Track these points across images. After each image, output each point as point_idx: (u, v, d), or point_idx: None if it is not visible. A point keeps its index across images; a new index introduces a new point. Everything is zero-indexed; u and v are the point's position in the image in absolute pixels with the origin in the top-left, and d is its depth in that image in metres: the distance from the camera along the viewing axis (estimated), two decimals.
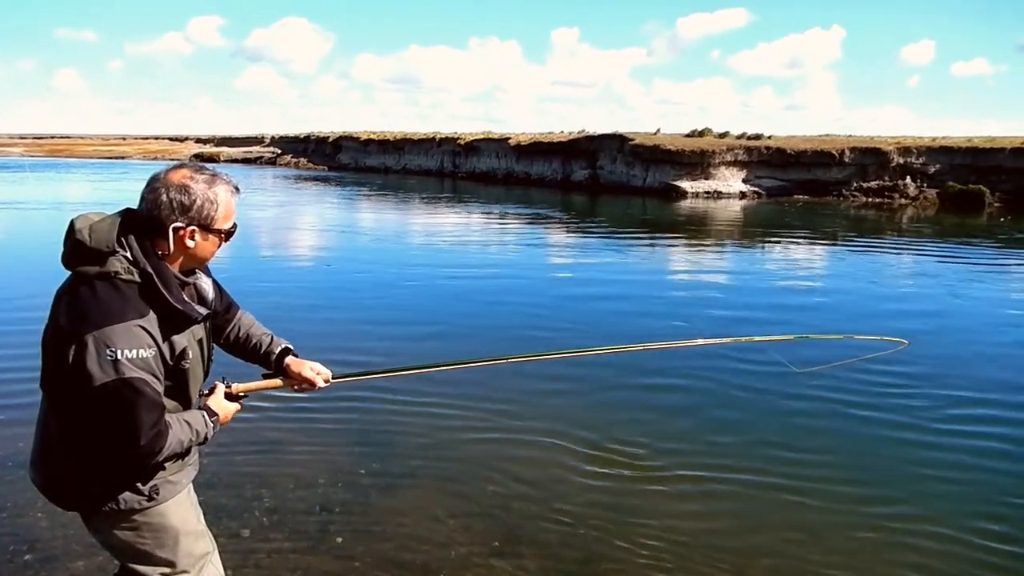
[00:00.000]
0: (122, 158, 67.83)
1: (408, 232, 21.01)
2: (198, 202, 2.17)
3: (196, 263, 2.30)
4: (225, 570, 3.56)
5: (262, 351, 2.64)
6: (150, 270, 2.10)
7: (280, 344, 2.65)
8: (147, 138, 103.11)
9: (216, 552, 2.60)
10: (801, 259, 17.28)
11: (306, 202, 30.08)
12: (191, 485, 2.50)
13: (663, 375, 7.43)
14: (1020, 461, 5.69)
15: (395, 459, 5.33)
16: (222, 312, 2.57)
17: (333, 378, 2.66)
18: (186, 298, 2.22)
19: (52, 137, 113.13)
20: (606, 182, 40.49)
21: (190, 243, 2.19)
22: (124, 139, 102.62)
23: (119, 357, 2.00)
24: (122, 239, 2.11)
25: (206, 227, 2.20)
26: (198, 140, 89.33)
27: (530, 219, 24.73)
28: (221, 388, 2.47)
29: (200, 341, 2.31)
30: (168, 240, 2.16)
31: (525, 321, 9.81)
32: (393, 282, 12.48)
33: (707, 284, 13.50)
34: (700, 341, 3.68)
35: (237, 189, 2.30)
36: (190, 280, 2.30)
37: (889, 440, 6.01)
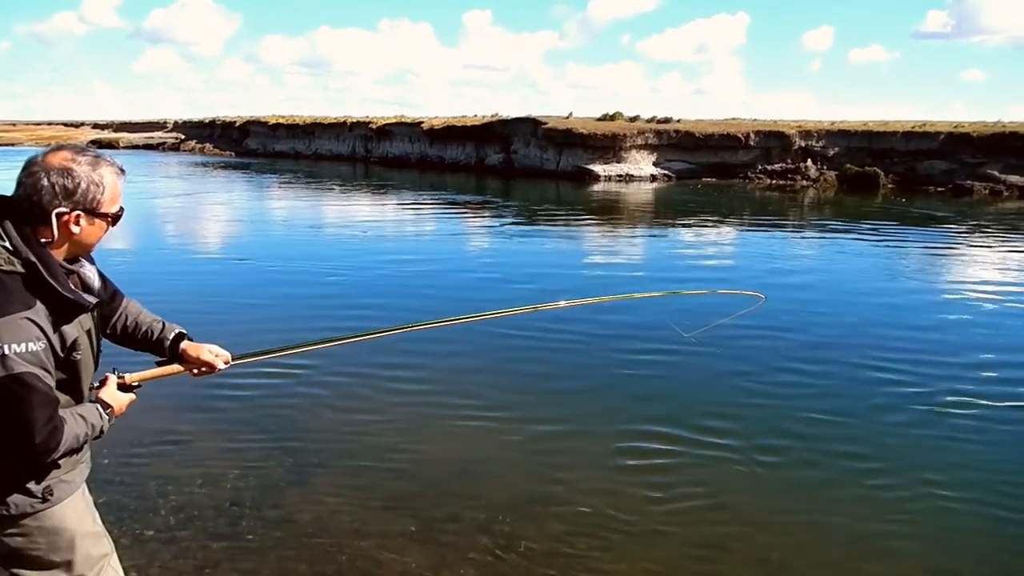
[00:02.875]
0: (12, 145, 64.00)
1: (323, 221, 20.62)
2: (83, 185, 2.06)
3: (81, 250, 2.19)
4: (129, 573, 3.46)
5: (154, 338, 2.52)
6: (34, 259, 1.98)
7: (174, 329, 2.55)
8: (39, 124, 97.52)
9: (114, 554, 2.49)
10: (701, 237, 17.81)
11: (213, 190, 29.11)
12: (85, 485, 2.39)
13: (552, 341, 7.86)
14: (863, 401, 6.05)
15: (306, 448, 5.25)
16: (107, 301, 2.45)
17: (233, 359, 2.58)
18: (72, 287, 2.11)
19: None
20: (520, 166, 40.62)
21: (75, 229, 2.08)
22: (14, 125, 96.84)
23: (6, 352, 1.89)
24: None
25: (92, 211, 2.10)
26: (95, 125, 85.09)
27: (447, 205, 24.62)
28: (113, 379, 2.35)
29: (88, 332, 2.20)
30: (52, 227, 2.04)
31: (424, 293, 9.87)
32: (305, 272, 12.24)
33: (607, 262, 13.83)
34: (562, 303, 3.78)
35: (122, 170, 2.20)
36: (74, 268, 2.19)
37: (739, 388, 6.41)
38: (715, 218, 21.75)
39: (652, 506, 4.62)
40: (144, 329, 2.53)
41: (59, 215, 2.04)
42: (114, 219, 2.18)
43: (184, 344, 2.53)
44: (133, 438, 5.15)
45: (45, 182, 2.02)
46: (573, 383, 6.95)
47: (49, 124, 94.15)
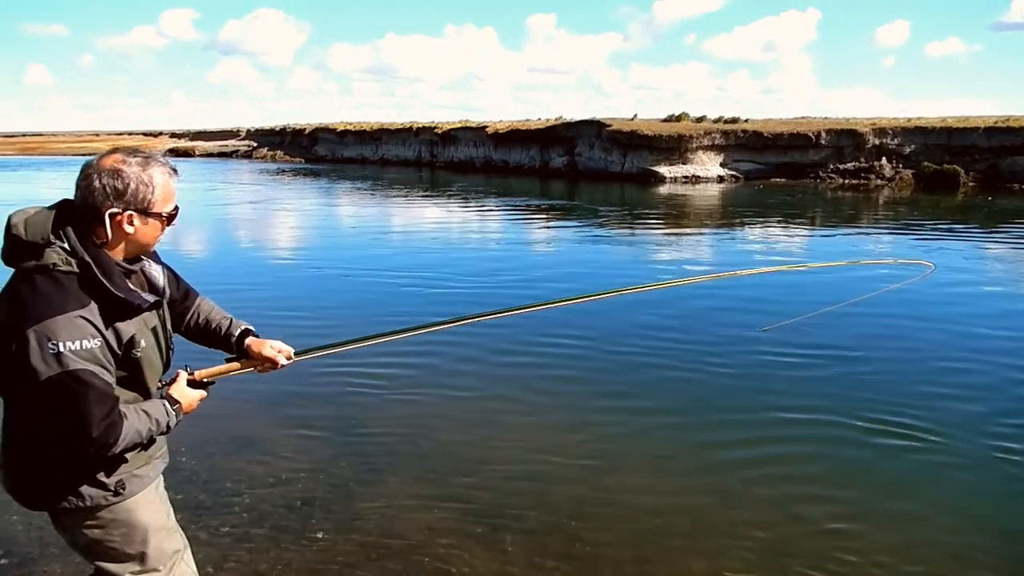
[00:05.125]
0: (95, 154, 66.80)
1: (393, 227, 20.91)
2: (132, 185, 2.12)
3: (139, 249, 2.24)
4: (205, 568, 3.55)
5: (222, 334, 2.58)
6: (88, 259, 2.06)
7: (240, 326, 2.60)
8: (120, 134, 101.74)
9: (188, 549, 2.56)
10: (788, 234, 17.43)
11: (286, 196, 29.77)
12: (160, 479, 2.45)
13: (622, 335, 7.89)
14: None
15: (374, 448, 5.31)
16: (180, 300, 2.52)
17: (295, 355, 2.60)
18: (132, 286, 2.17)
19: (23, 135, 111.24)
20: (584, 169, 40.47)
21: (129, 229, 2.14)
22: (97, 135, 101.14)
23: (62, 349, 1.96)
24: (58, 230, 2.07)
25: (144, 211, 2.15)
26: (173, 135, 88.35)
27: (520, 210, 24.67)
28: (183, 376, 2.40)
29: (154, 329, 2.26)
30: (106, 227, 2.11)
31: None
32: (376, 276, 12.40)
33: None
34: (727, 274, 3.84)
35: (175, 171, 2.26)
36: (135, 267, 2.25)
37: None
38: (797, 217, 21.26)
39: (725, 510, 4.52)
40: (214, 326, 2.59)
41: (112, 215, 2.11)
42: (169, 218, 2.24)
43: (248, 340, 2.57)
44: (210, 437, 5.30)
45: (97, 184, 2.10)
46: (650, 376, 6.91)
47: (129, 134, 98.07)
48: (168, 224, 2.25)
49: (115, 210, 2.11)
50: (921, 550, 4.14)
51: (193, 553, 2.62)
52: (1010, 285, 11.92)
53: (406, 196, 29.62)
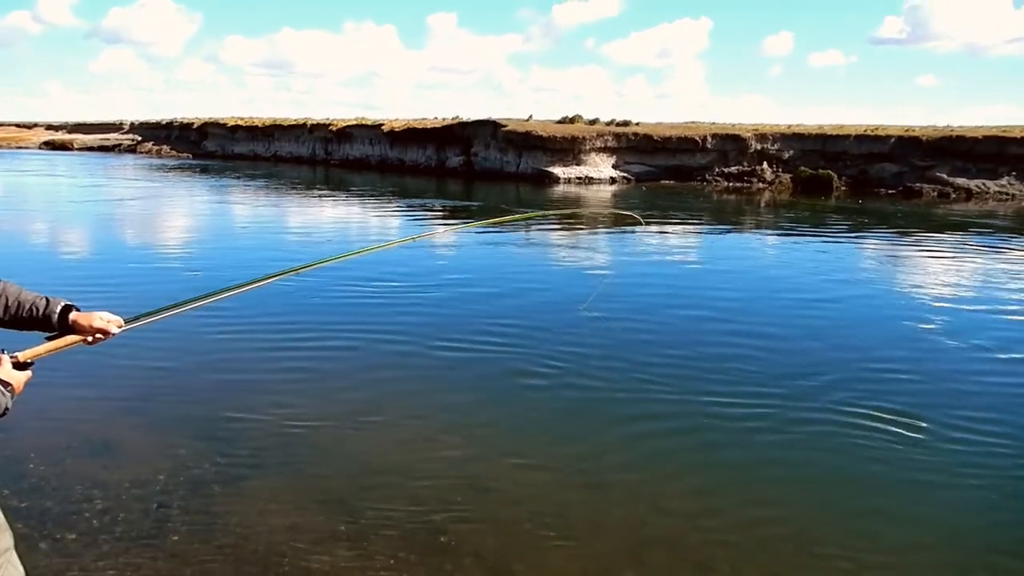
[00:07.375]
0: None
1: (291, 229, 20.44)
2: None
3: None
4: None
5: (40, 315, 2.48)
6: None
7: (60, 302, 2.51)
8: None
9: (14, 551, 2.46)
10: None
11: (169, 196, 28.61)
12: None
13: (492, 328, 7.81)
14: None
15: (238, 446, 5.23)
16: None
17: (126, 322, 2.55)
18: None
19: None
20: (480, 168, 40.63)
21: None
22: None
23: None
24: None
25: None
26: (49, 127, 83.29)
27: (407, 210, 24.55)
28: (7, 359, 2.30)
29: None
30: None
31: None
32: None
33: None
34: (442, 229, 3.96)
35: None
36: None
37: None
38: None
39: (589, 495, 4.68)
40: (28, 307, 2.48)
41: None
42: None
43: (74, 315, 2.49)
44: (64, 442, 5.08)
45: None
46: (507, 365, 7.04)
47: (1, 125, 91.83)
48: None
49: None
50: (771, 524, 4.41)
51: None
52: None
53: (300, 195, 28.99)
